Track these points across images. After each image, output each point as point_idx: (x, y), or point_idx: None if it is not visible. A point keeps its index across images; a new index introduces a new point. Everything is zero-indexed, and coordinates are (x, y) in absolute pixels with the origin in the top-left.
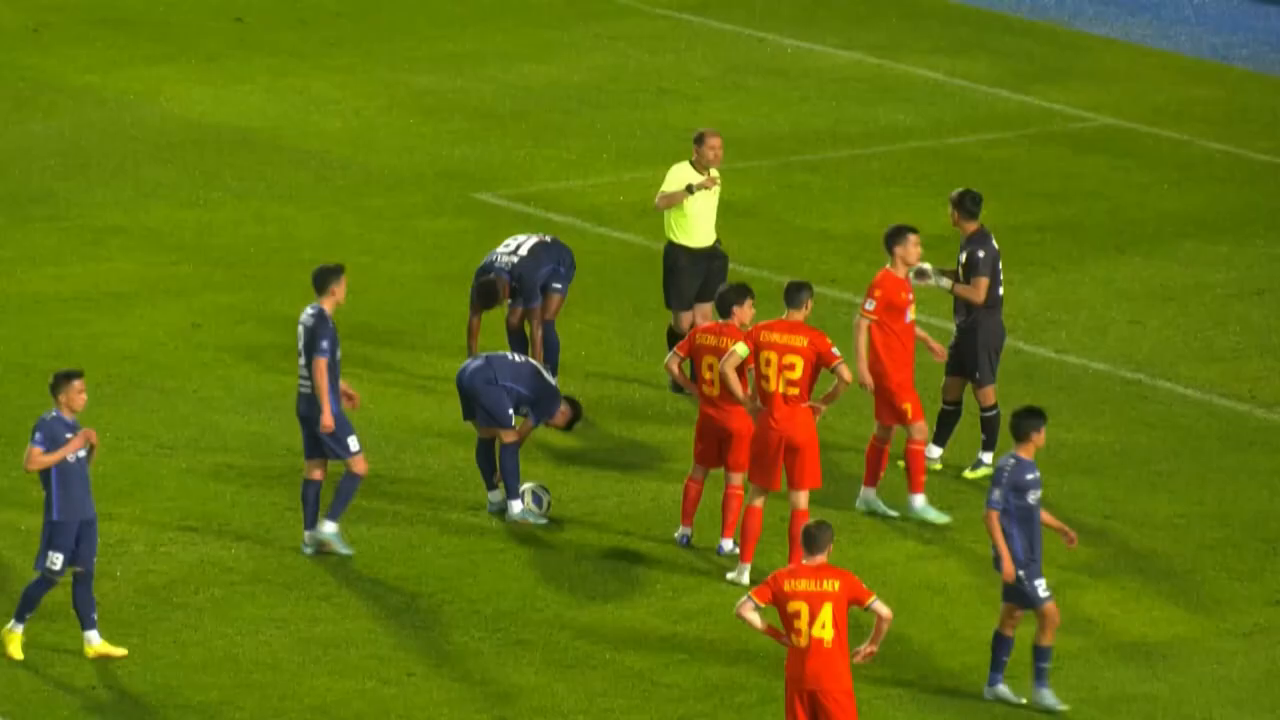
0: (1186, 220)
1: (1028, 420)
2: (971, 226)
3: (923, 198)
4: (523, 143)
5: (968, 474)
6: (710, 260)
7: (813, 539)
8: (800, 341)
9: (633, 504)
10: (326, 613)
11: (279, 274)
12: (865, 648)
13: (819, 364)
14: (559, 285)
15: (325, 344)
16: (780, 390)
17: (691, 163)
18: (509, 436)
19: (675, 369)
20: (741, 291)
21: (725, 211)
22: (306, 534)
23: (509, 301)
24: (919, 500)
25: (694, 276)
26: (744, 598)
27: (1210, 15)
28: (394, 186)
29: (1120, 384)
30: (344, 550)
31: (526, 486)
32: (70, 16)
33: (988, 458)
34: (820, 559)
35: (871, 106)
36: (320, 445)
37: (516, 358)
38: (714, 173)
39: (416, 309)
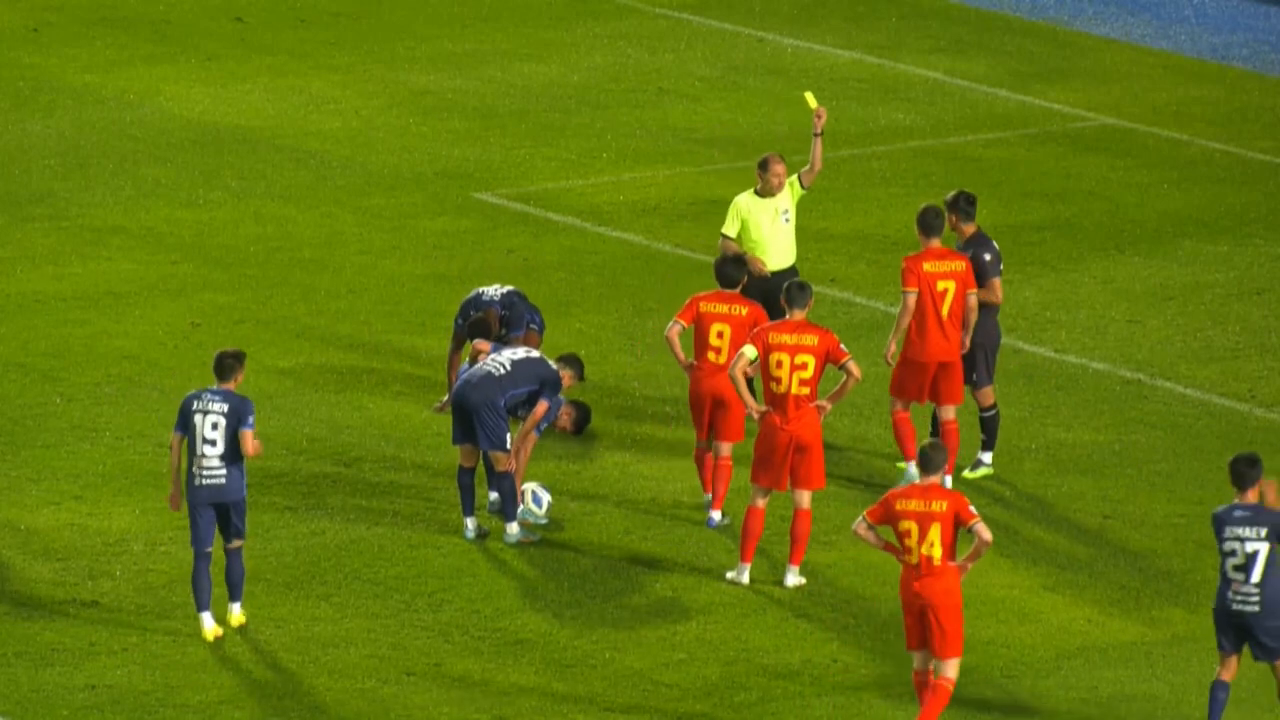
0: (1186, 220)
1: None
2: (970, 229)
3: (922, 198)
4: (522, 142)
5: (967, 474)
6: (784, 280)
7: (928, 460)
8: (811, 340)
9: (633, 504)
10: (326, 612)
11: (278, 274)
12: (961, 561)
13: (828, 361)
14: (535, 327)
15: (561, 398)
16: (793, 391)
17: (755, 191)
18: (504, 464)
19: (675, 338)
20: (740, 264)
21: (724, 211)
22: (467, 520)
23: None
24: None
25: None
26: (859, 518)
27: (1210, 15)
28: (393, 186)
29: (1120, 383)
30: (534, 538)
31: (527, 486)
32: (70, 16)
33: (987, 458)
34: (934, 480)
35: (871, 106)
36: (472, 432)
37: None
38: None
39: (416, 308)
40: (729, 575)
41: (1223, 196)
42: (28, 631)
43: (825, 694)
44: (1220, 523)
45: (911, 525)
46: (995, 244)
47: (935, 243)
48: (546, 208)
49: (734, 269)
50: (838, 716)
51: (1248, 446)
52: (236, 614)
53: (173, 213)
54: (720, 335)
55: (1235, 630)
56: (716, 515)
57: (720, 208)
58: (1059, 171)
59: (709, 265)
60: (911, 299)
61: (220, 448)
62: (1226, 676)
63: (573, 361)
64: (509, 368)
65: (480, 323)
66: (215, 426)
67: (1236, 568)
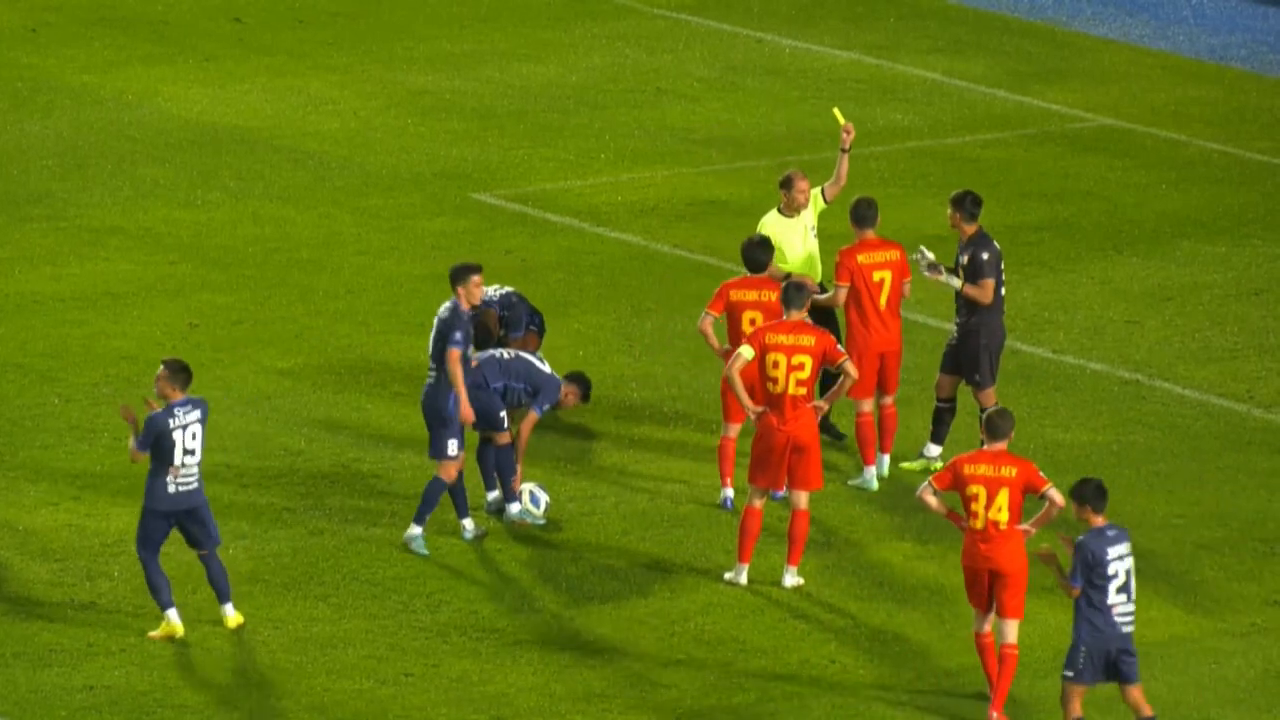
0: (1184, 220)
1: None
2: (971, 229)
3: (921, 198)
4: (520, 143)
5: None
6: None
7: (995, 427)
8: (808, 341)
9: (631, 504)
10: (324, 613)
11: (276, 274)
12: (1026, 524)
13: (825, 362)
14: (535, 328)
15: (458, 335)
16: (790, 391)
17: (780, 210)
18: (503, 439)
19: (709, 330)
20: (767, 246)
21: (722, 212)
22: (464, 521)
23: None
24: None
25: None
26: (924, 483)
27: (1208, 15)
28: (392, 186)
29: (1118, 384)
30: (422, 552)
31: (525, 486)
32: (68, 16)
33: None
34: (1001, 446)
35: (869, 106)
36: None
37: (505, 354)
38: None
39: (414, 309)
40: (727, 576)
41: (1221, 197)
42: (26, 632)
43: (823, 694)
44: (1101, 547)
45: (980, 490)
46: (997, 245)
47: (869, 234)
48: (544, 208)
49: (761, 252)
50: (836, 716)
51: (1246, 447)
52: (231, 615)
53: (171, 213)
54: (753, 323)
55: (1108, 658)
56: (729, 493)
57: (719, 208)
58: (1057, 172)
59: (707, 265)
60: (841, 293)
61: (199, 455)
62: (1080, 711)
63: (579, 380)
64: (435, 368)
65: (479, 324)
66: (195, 436)
67: (1120, 588)
